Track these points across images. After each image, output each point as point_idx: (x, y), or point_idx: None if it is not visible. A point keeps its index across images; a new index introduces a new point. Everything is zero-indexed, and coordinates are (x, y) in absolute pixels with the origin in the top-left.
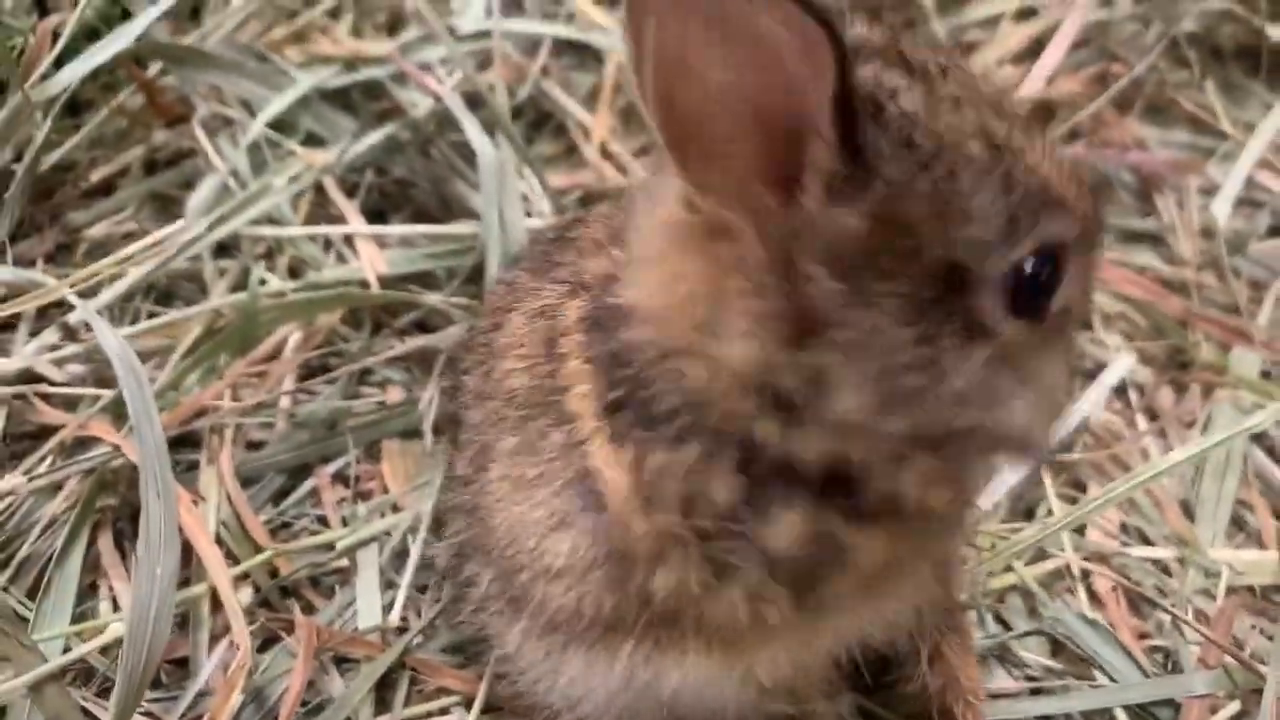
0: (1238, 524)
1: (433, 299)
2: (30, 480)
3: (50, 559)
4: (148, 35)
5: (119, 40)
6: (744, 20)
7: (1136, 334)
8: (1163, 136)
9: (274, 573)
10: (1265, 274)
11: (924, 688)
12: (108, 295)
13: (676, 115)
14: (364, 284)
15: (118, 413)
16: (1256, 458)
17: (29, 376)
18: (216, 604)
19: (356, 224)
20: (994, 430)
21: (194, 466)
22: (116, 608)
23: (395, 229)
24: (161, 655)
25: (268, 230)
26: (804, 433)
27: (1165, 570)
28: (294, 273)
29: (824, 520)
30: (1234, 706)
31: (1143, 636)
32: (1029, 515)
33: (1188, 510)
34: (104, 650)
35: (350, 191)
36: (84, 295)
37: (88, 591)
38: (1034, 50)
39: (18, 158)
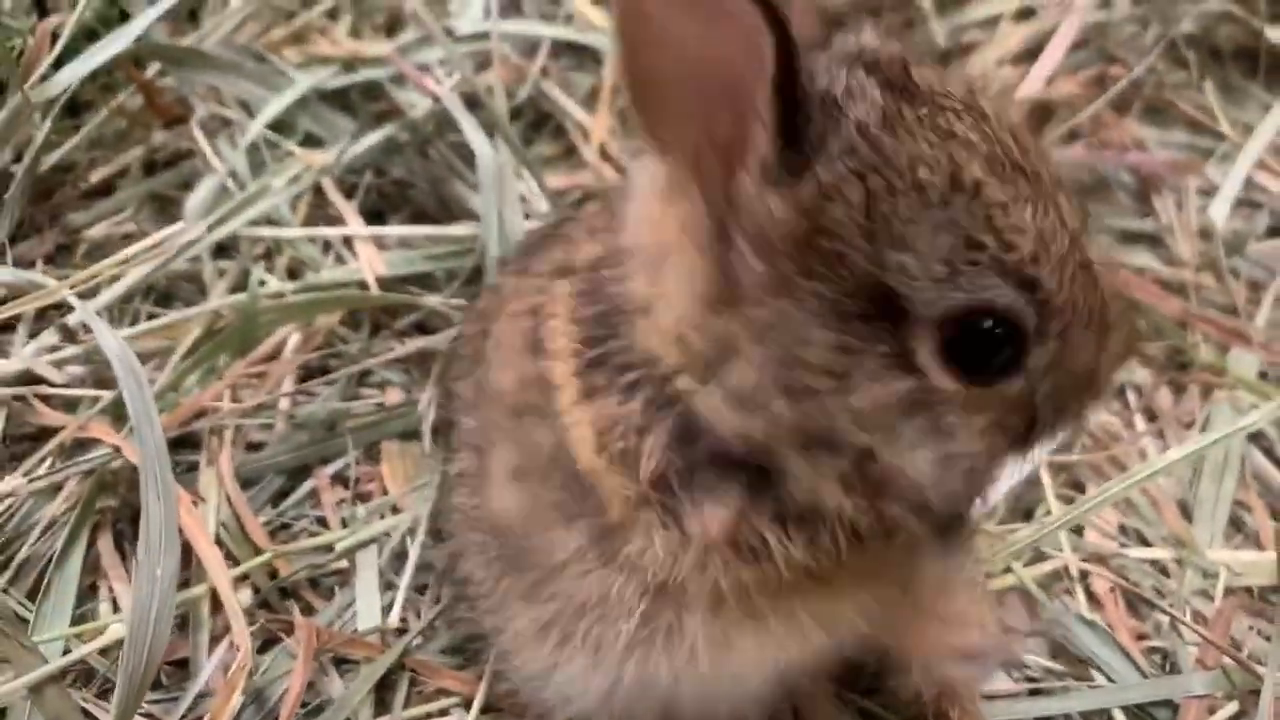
0: (1236, 525)
1: (432, 300)
2: (30, 482)
3: (50, 560)
4: (146, 36)
5: (118, 41)
6: None
7: None
8: (1161, 137)
9: (274, 574)
10: (1264, 274)
11: (918, 695)
12: (107, 296)
13: (642, 72)
14: (363, 285)
15: (117, 414)
16: (1255, 459)
17: (29, 378)
18: (216, 605)
19: (355, 225)
20: (888, 467)
21: (194, 468)
22: (116, 609)
23: (394, 230)
24: (162, 656)
25: (267, 231)
26: (710, 395)
27: (1163, 571)
28: (293, 274)
29: (752, 514)
30: (1232, 707)
31: (1141, 637)
32: (1028, 516)
33: (1186, 511)
34: (104, 651)
35: (349, 192)
36: (83, 296)
37: (88, 593)
38: (1033, 51)
39: (17, 159)
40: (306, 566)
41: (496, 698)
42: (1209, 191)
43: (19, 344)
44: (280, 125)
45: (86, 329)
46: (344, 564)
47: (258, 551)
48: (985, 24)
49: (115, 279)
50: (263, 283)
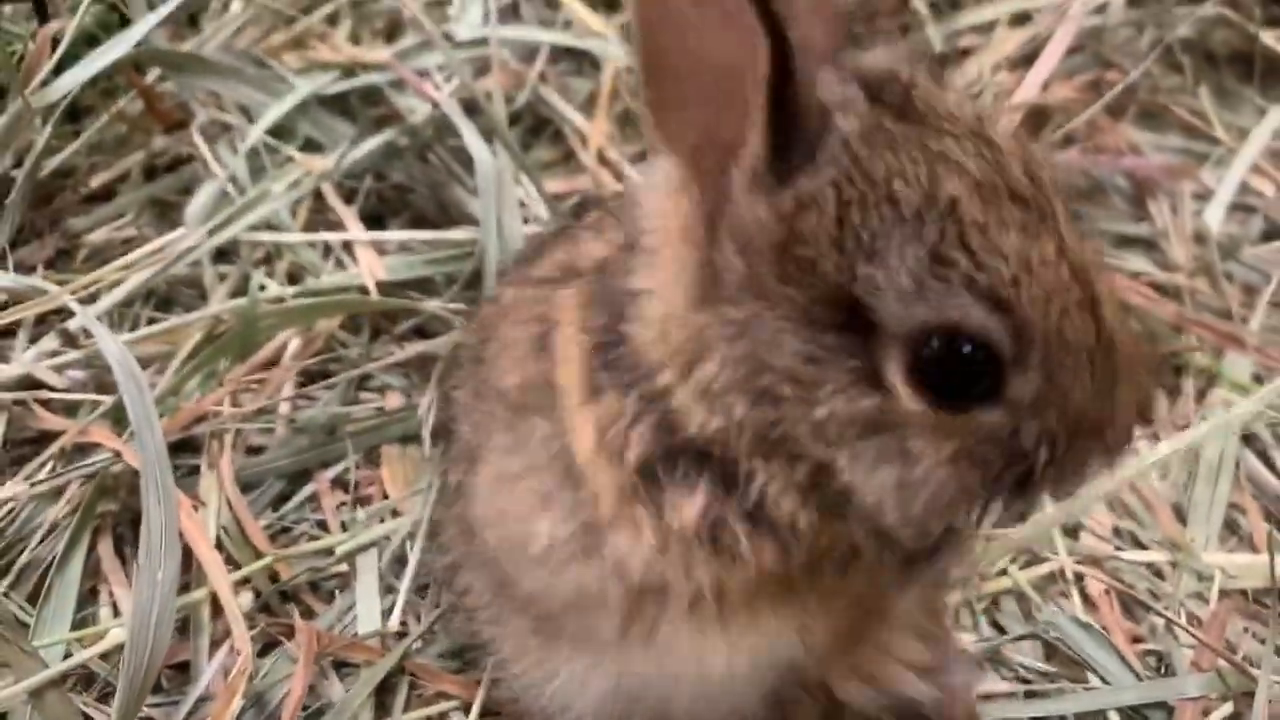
0: (1230, 528)
1: (431, 305)
2: (31, 486)
3: (51, 565)
4: (147, 42)
5: (118, 47)
6: None
7: None
8: (1156, 142)
9: (274, 577)
10: (1258, 279)
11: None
12: (107, 301)
13: (655, 64)
14: (363, 290)
15: (118, 418)
16: (1248, 461)
17: (29, 383)
18: (217, 609)
19: (355, 230)
20: (845, 485)
21: (194, 472)
22: (117, 613)
23: (394, 235)
24: (163, 660)
25: (267, 236)
26: (684, 390)
27: (1158, 574)
28: (293, 279)
29: (721, 510)
30: (1226, 709)
31: (1136, 640)
32: (1022, 518)
33: (1180, 514)
34: (104, 656)
35: (348, 197)
36: (84, 301)
37: (88, 597)
38: (1029, 56)
39: (18, 164)
40: (307, 570)
41: (495, 702)
42: (1204, 196)
43: (19, 349)
44: (280, 130)
45: (87, 334)
46: (344, 567)
47: (258, 555)
48: (981, 29)
49: (116, 284)
50: (263, 287)
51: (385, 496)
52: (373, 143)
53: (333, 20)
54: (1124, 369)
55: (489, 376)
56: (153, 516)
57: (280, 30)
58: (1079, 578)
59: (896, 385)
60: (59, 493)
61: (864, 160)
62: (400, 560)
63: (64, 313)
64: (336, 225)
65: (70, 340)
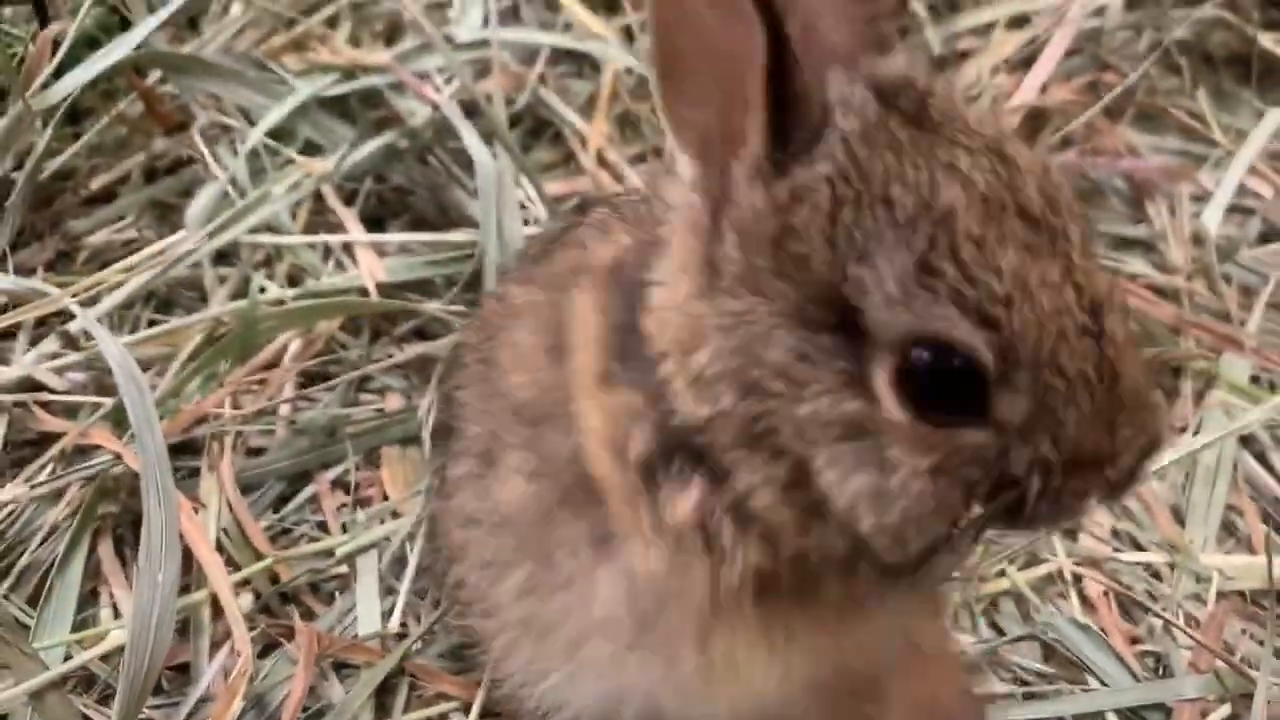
0: (1228, 529)
1: (431, 307)
2: (32, 488)
3: (51, 566)
4: (147, 44)
5: (119, 49)
6: None
7: None
8: (1154, 143)
9: (274, 579)
10: (1256, 280)
11: None
12: (108, 303)
13: (669, 50)
14: (363, 292)
15: (118, 420)
16: (1246, 463)
17: (30, 385)
18: (217, 610)
19: (355, 232)
20: (822, 485)
21: (194, 473)
22: (117, 615)
23: (394, 237)
24: (163, 662)
25: (267, 238)
26: (679, 380)
27: (1156, 575)
28: (293, 280)
29: (712, 505)
30: (1224, 710)
31: (1134, 641)
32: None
33: (1178, 515)
34: (105, 657)
35: (349, 199)
36: (84, 303)
37: (88, 598)
38: (1027, 58)
39: (18, 166)
40: (307, 571)
41: (495, 702)
42: (1201, 197)
43: (20, 351)
44: (280, 133)
45: (88, 336)
46: (344, 569)
47: (258, 557)
48: (979, 31)
49: (116, 286)
50: (263, 289)
51: (385, 498)
52: (373, 145)
53: (333, 22)
54: (1128, 406)
55: (501, 385)
56: (153, 518)
57: (280, 32)
58: (1077, 579)
59: (881, 392)
60: (59, 495)
61: (862, 160)
62: (400, 561)
63: (64, 315)
64: (337, 227)
65: (71, 342)
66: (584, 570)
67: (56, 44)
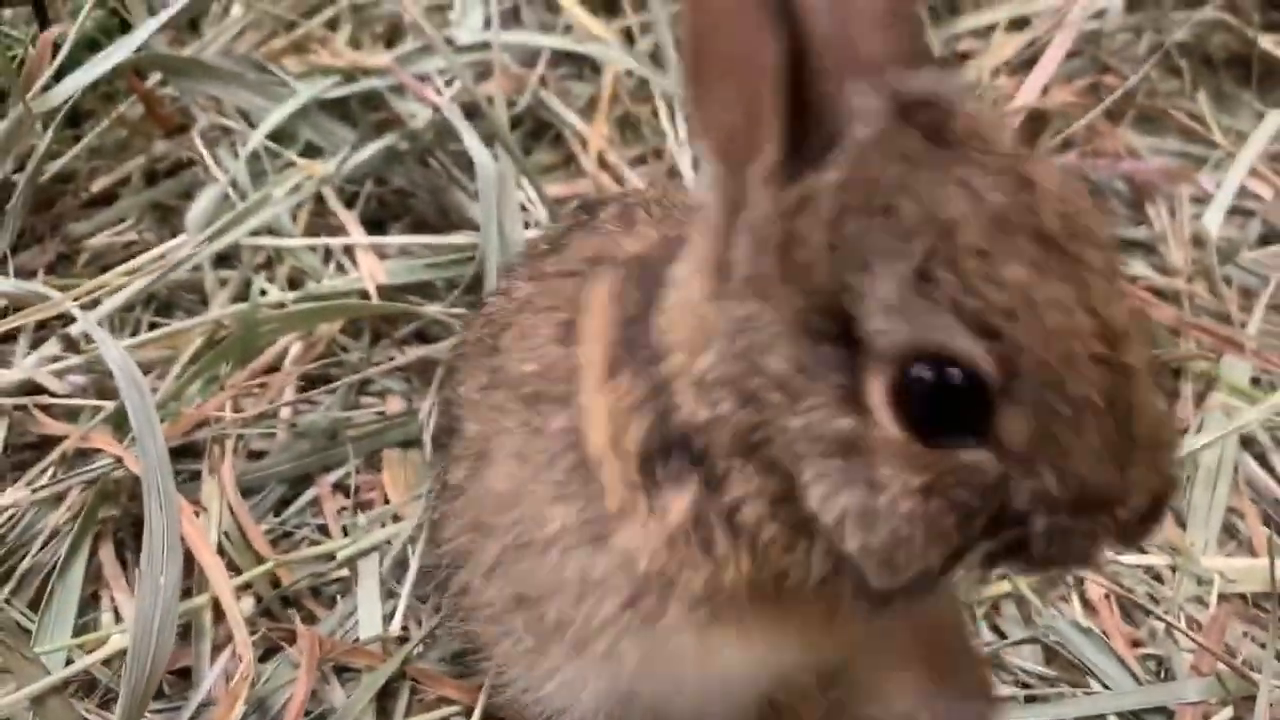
0: (1229, 532)
1: (432, 309)
2: (33, 492)
3: (52, 571)
4: (147, 46)
5: (119, 52)
6: None
7: None
8: (1154, 145)
9: (275, 583)
10: (1256, 282)
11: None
12: (108, 306)
13: (697, 51)
14: (364, 294)
15: (119, 424)
16: (1247, 465)
17: (30, 388)
18: (218, 614)
19: (356, 234)
20: (811, 501)
21: (195, 477)
22: (118, 619)
23: (395, 239)
24: (165, 666)
25: (267, 241)
26: (682, 380)
27: (1158, 578)
28: (293, 283)
29: (706, 508)
30: (1227, 713)
31: (1136, 644)
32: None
33: (1179, 518)
34: (106, 662)
35: (349, 202)
36: (84, 306)
37: (89, 602)
38: (1027, 60)
39: (19, 169)
40: (308, 575)
41: (497, 707)
42: (1202, 199)
43: (20, 354)
44: (281, 135)
45: (88, 339)
46: (345, 572)
47: (259, 560)
48: (980, 33)
49: (117, 289)
50: (264, 292)
51: (386, 501)
52: (373, 147)
53: (333, 25)
54: (1142, 444)
55: (504, 365)
56: (155, 522)
57: (281, 35)
58: (1079, 581)
59: (875, 407)
60: (60, 498)
61: (871, 170)
62: (401, 565)
63: (65, 318)
64: (337, 230)
65: (71, 345)
66: (581, 563)
67: (57, 46)
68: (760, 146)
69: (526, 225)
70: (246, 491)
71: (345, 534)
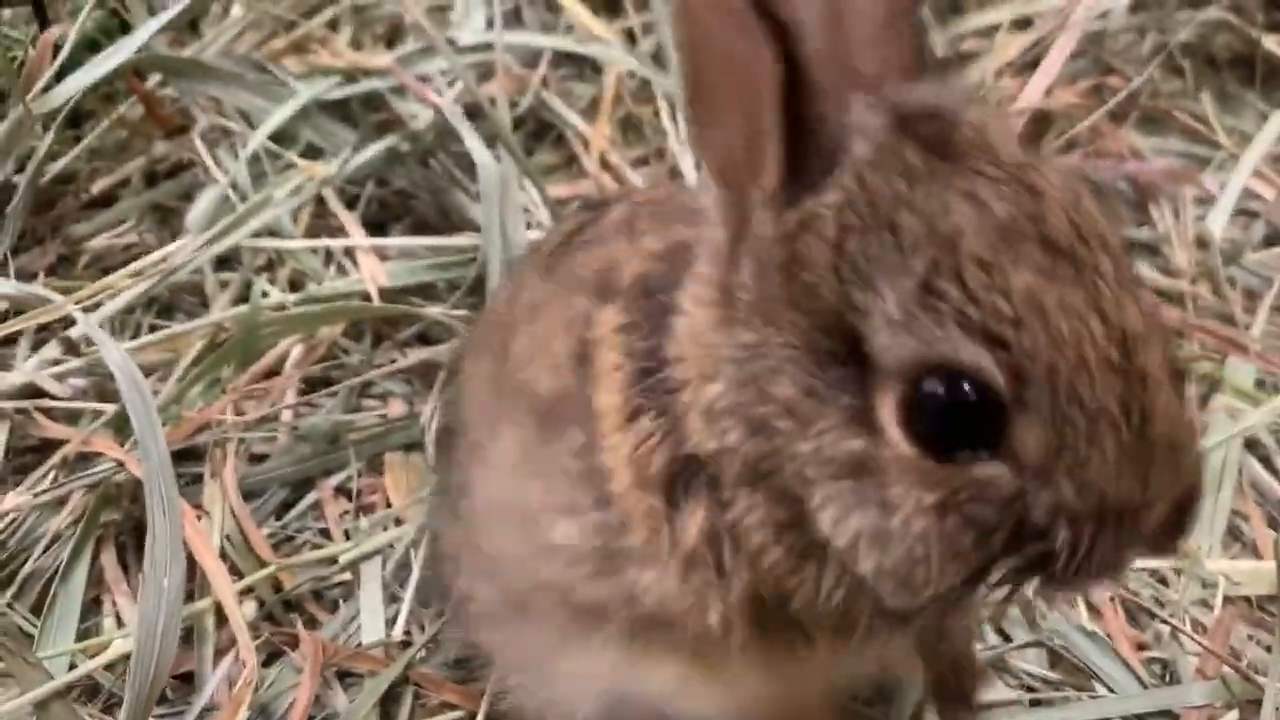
0: (1234, 534)
1: (434, 311)
2: (34, 496)
3: (54, 575)
4: (147, 47)
5: (120, 52)
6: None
7: None
8: (1158, 146)
9: (278, 587)
10: (1260, 284)
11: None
12: (109, 309)
13: (694, 71)
14: (365, 296)
15: (120, 427)
16: (1251, 468)
17: (31, 391)
18: (220, 618)
19: (357, 236)
20: (822, 526)
21: (197, 480)
22: (120, 623)
23: (396, 241)
24: (169, 671)
25: (268, 243)
26: (693, 409)
27: (1163, 581)
28: (294, 285)
29: (718, 530)
30: (1232, 717)
31: (1141, 647)
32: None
33: None
34: (109, 667)
35: (350, 203)
36: (85, 309)
37: (91, 607)
38: (1030, 61)
39: (19, 170)
40: (310, 579)
41: (500, 712)
42: (1206, 200)
43: (21, 357)
44: (281, 136)
45: (89, 342)
46: (347, 576)
47: (261, 564)
48: (983, 34)
49: (117, 292)
50: (265, 294)
51: (388, 504)
52: (375, 148)
53: (334, 25)
54: (1162, 450)
55: (517, 376)
56: (157, 527)
57: (281, 35)
58: None
59: (886, 425)
60: (61, 502)
61: (872, 187)
62: (404, 568)
63: (65, 320)
64: (338, 231)
65: (72, 348)
66: (590, 577)
67: (57, 47)
68: (761, 169)
69: (529, 226)
70: (248, 495)
71: (347, 538)
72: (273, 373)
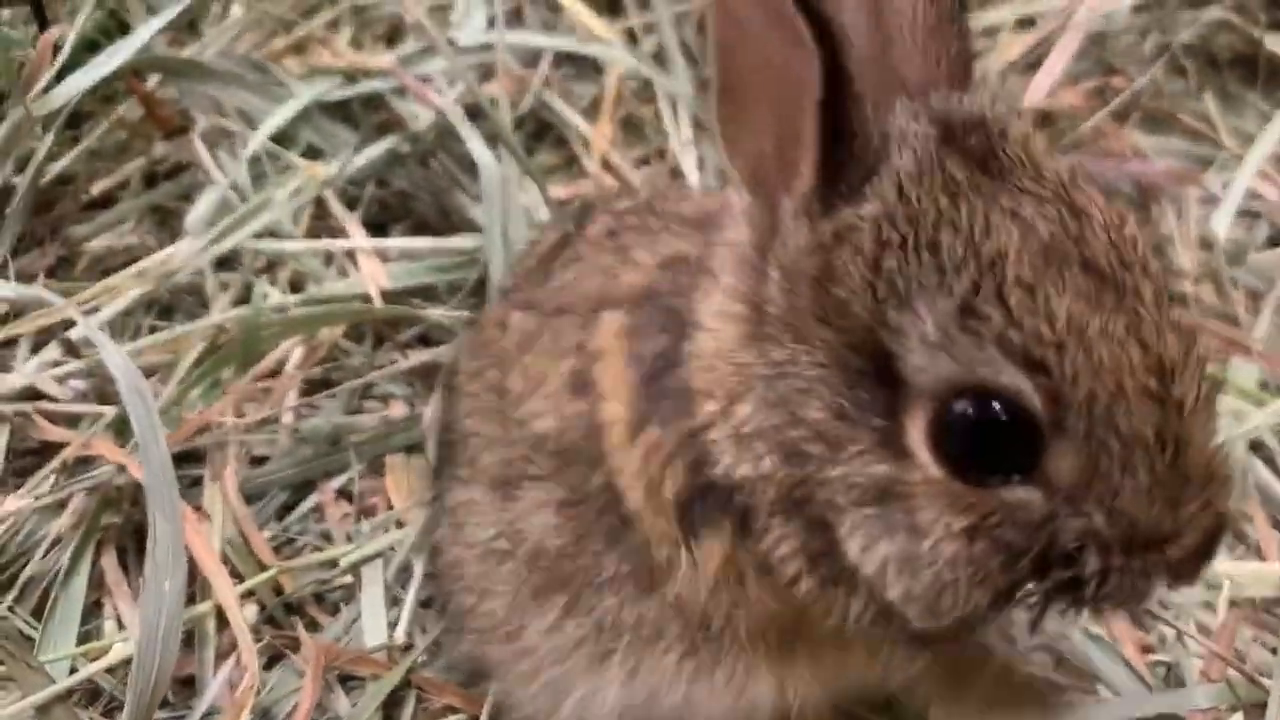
0: (1238, 536)
1: (435, 313)
2: (35, 499)
3: (55, 578)
4: (147, 48)
5: (119, 53)
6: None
7: None
8: (1161, 146)
9: (278, 590)
10: (1263, 284)
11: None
12: (109, 310)
13: (728, 70)
14: (366, 298)
15: (120, 429)
16: (1255, 469)
17: (31, 393)
18: (221, 621)
19: (358, 237)
20: (849, 553)
21: (197, 482)
22: (121, 627)
23: (397, 242)
24: (170, 675)
25: (269, 244)
26: (721, 430)
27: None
28: (295, 287)
29: (739, 554)
30: (1236, 719)
31: (1146, 650)
32: None
33: None
34: (110, 670)
35: (351, 204)
36: (84, 311)
37: (92, 610)
38: (1033, 61)
39: (19, 171)
40: (312, 582)
41: (503, 716)
42: (1209, 201)
43: (21, 359)
44: (281, 137)
45: (89, 344)
46: (349, 579)
47: (262, 567)
48: (986, 33)
49: (116, 293)
50: (265, 296)
51: (390, 507)
52: (375, 149)
53: (334, 25)
54: (1194, 480)
55: (516, 413)
56: (158, 530)
57: (281, 35)
58: None
59: (915, 448)
60: (62, 505)
61: (912, 202)
62: (405, 571)
63: (65, 322)
64: (339, 233)
65: (72, 350)
66: (615, 598)
67: (56, 48)
68: (794, 175)
69: (530, 227)
70: (249, 497)
71: (349, 540)
72: (273, 374)
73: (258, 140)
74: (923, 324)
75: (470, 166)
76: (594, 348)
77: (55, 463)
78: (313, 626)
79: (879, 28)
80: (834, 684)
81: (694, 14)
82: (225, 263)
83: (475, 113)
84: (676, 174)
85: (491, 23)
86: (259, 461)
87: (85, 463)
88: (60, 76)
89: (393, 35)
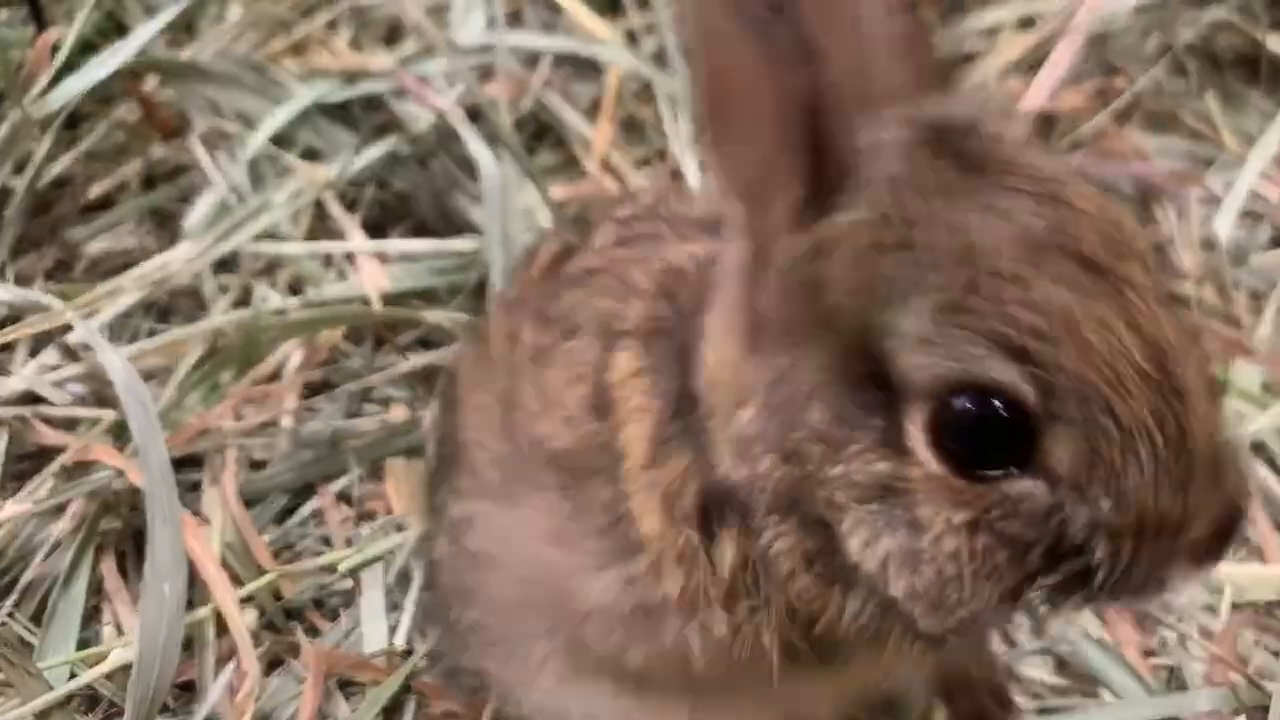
0: (1241, 539)
1: (435, 315)
2: (34, 504)
3: (54, 584)
4: (145, 49)
5: (117, 55)
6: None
7: None
8: (1162, 146)
9: (278, 595)
10: (1265, 286)
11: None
12: (107, 313)
13: (713, 87)
14: (365, 300)
15: (119, 433)
16: (1258, 472)
17: (29, 397)
18: (221, 626)
19: (357, 240)
20: (851, 551)
21: (196, 486)
22: (121, 632)
23: (397, 244)
24: (170, 680)
25: (268, 246)
26: (722, 440)
27: None
28: (294, 289)
29: (750, 553)
30: None
31: (1148, 654)
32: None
33: None
34: (109, 676)
35: (350, 206)
36: (83, 314)
37: (91, 615)
38: (1034, 62)
39: (17, 172)
40: (311, 587)
41: None
42: (1210, 202)
43: (19, 363)
44: (281, 138)
45: (87, 347)
46: (349, 584)
47: (262, 572)
48: (986, 33)
49: (115, 296)
50: (264, 299)
51: (390, 511)
52: (374, 151)
53: (333, 26)
54: (1201, 466)
55: (531, 432)
56: (157, 534)
57: (279, 36)
58: None
59: (915, 446)
60: (60, 510)
61: (898, 203)
62: (406, 575)
63: (63, 325)
64: (338, 235)
65: (70, 354)
66: (618, 617)
67: (54, 50)
68: (782, 186)
69: (530, 230)
70: (248, 502)
71: (348, 545)
72: (273, 378)
73: (257, 142)
74: (913, 323)
75: (470, 168)
76: (611, 379)
77: (54, 467)
78: (312, 631)
79: (855, 35)
80: (836, 690)
81: None
82: (224, 265)
83: (475, 114)
84: (677, 175)
85: (491, 23)
86: (258, 465)
87: (84, 467)
88: (58, 78)
89: (392, 36)
